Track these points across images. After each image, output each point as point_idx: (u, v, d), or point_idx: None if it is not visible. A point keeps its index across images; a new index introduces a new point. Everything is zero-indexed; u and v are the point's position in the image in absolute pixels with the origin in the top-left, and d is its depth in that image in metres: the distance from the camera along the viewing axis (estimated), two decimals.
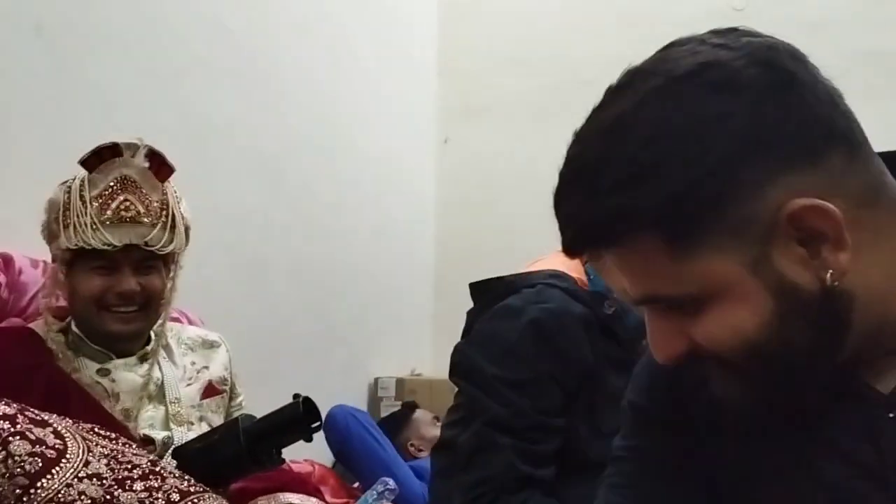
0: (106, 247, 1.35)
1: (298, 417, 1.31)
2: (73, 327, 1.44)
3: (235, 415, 1.58)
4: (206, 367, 1.54)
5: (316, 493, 1.51)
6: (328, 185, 2.97)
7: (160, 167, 1.41)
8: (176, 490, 0.99)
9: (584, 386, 1.35)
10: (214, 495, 1.02)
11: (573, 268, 1.45)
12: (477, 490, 1.28)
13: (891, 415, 0.66)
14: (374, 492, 1.73)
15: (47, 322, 1.42)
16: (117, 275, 1.39)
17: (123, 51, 2.12)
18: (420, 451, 2.65)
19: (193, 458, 1.26)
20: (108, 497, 0.95)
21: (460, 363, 1.40)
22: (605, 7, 3.75)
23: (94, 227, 1.34)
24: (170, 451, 1.34)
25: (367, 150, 3.22)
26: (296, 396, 1.33)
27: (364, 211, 3.18)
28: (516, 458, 1.28)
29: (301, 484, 1.53)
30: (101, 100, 2.04)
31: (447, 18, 3.89)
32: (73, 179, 1.41)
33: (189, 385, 1.50)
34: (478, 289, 1.50)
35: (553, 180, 0.68)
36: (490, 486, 1.28)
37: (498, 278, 1.47)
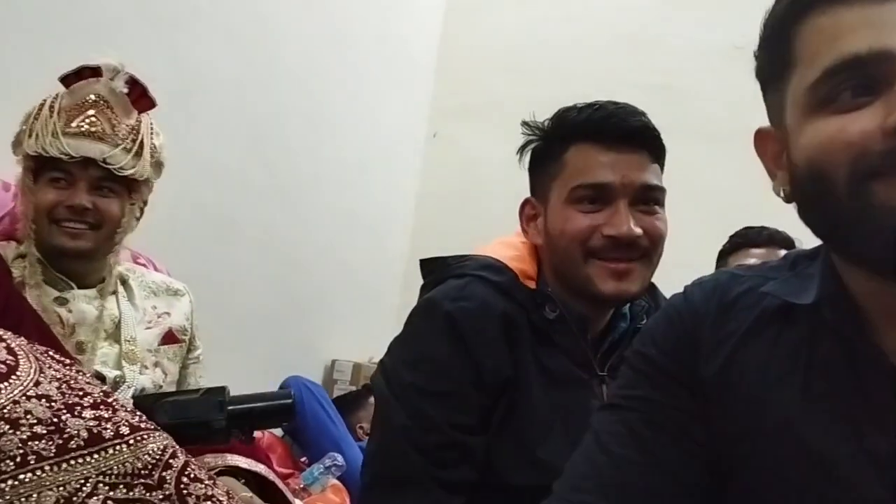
0: (62, 156, 1.32)
1: (290, 411, 1.26)
2: (34, 249, 1.40)
3: (192, 367, 1.55)
4: (168, 314, 1.50)
5: (266, 460, 1.47)
6: (309, 159, 2.94)
7: (140, 97, 1.40)
8: (126, 423, 0.95)
9: (503, 399, 1.18)
10: (165, 434, 0.99)
11: (525, 259, 1.28)
12: None
13: None
14: (322, 465, 1.70)
15: (11, 241, 1.38)
16: (72, 188, 1.36)
17: None
18: (368, 434, 2.62)
19: (163, 407, 1.22)
20: (55, 420, 0.91)
21: (385, 361, 1.25)
22: (605, 28, 3.77)
23: (55, 134, 1.33)
24: (121, 390, 1.30)
25: (354, 132, 3.19)
26: (283, 386, 1.28)
27: (343, 191, 3.15)
28: (429, 484, 1.14)
29: (251, 449, 1.49)
30: (93, 36, 2.00)
31: (452, 18, 3.89)
32: (52, 95, 1.39)
33: (148, 328, 1.46)
34: (425, 267, 1.35)
35: None
36: None
37: (443, 259, 1.32)
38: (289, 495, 1.43)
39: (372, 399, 2.78)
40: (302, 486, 1.71)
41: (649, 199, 1.21)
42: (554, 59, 3.79)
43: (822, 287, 0.73)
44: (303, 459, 2.31)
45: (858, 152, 0.64)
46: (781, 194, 0.75)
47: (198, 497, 0.90)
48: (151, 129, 1.43)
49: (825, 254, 0.76)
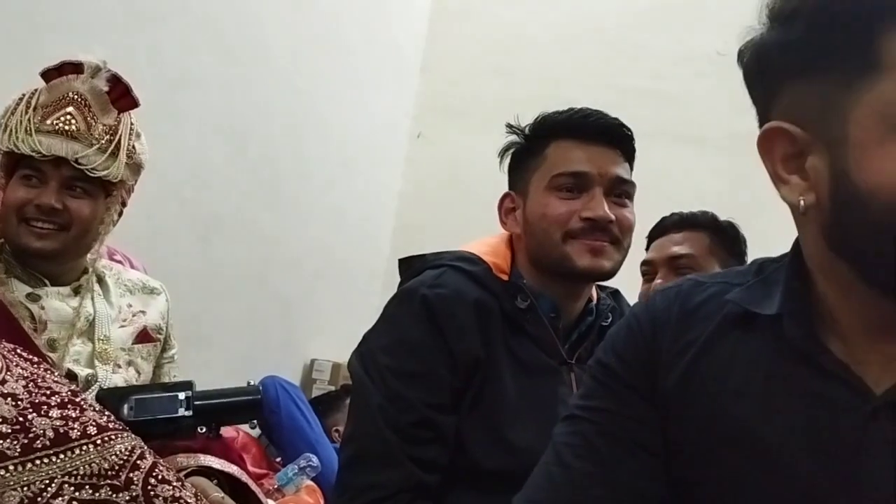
0: (34, 153, 1.30)
1: (257, 407, 1.26)
2: (6, 245, 1.38)
3: (167, 367, 1.53)
4: (143, 312, 1.49)
5: (239, 461, 1.46)
6: (293, 158, 2.93)
7: (121, 96, 1.37)
8: (94, 424, 0.94)
9: (473, 382, 1.26)
10: (132, 435, 0.98)
11: (498, 254, 1.37)
12: (367, 495, 1.21)
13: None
14: (296, 466, 1.70)
15: None
16: (42, 187, 1.34)
17: None
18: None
19: (128, 403, 1.22)
20: (20, 419, 0.90)
21: (360, 347, 1.33)
22: (593, 33, 3.78)
23: (28, 131, 1.30)
24: (93, 389, 1.29)
25: (339, 131, 3.19)
26: (249, 384, 1.28)
27: (326, 191, 3.14)
28: (404, 460, 1.20)
29: (224, 449, 1.48)
30: (78, 32, 1.98)
31: (437, 19, 3.89)
32: (31, 90, 1.37)
33: (122, 327, 1.44)
34: (403, 266, 1.44)
35: None
36: (380, 494, 1.20)
37: (420, 256, 1.41)
38: (261, 496, 1.42)
39: (348, 401, 2.77)
40: (276, 486, 1.70)
41: (621, 191, 1.33)
42: (540, 62, 3.80)
43: (784, 298, 0.72)
44: (278, 460, 2.30)
45: None
46: (801, 203, 0.67)
47: (165, 499, 0.89)
48: (132, 129, 1.40)
49: (791, 260, 0.74)
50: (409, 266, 1.41)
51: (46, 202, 1.33)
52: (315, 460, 1.72)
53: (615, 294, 1.48)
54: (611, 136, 1.34)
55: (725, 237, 1.74)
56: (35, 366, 1.01)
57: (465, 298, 1.27)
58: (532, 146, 1.38)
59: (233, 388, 1.27)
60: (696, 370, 0.75)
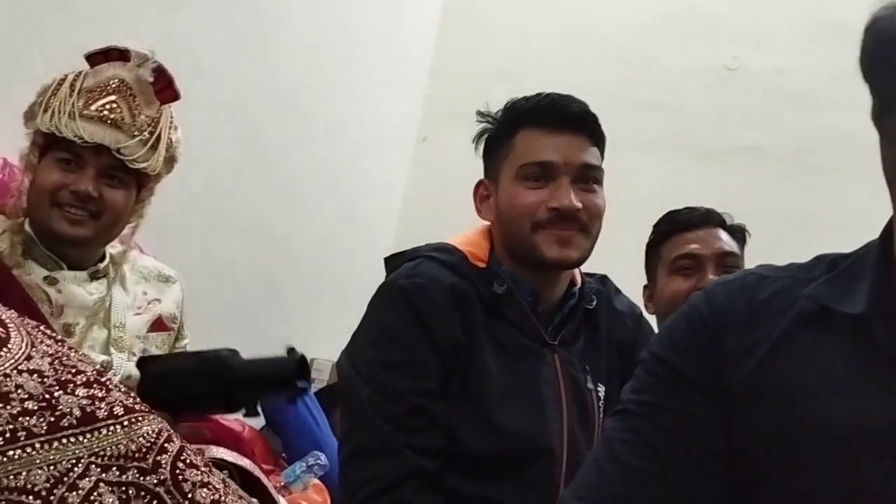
0: (76, 139, 1.28)
1: (289, 378, 1.24)
2: (27, 226, 1.35)
3: None
4: (158, 300, 1.47)
5: (250, 454, 1.44)
6: (300, 155, 2.91)
7: (165, 88, 1.35)
8: (120, 404, 0.92)
9: (458, 365, 1.29)
10: (158, 417, 0.96)
11: (475, 243, 1.39)
12: (370, 487, 1.22)
13: None
14: (304, 464, 1.67)
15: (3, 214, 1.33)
16: (79, 173, 1.32)
17: None
18: None
19: (162, 376, 1.19)
20: (47, 396, 0.88)
21: (349, 345, 1.36)
22: (600, 42, 3.79)
23: (72, 115, 1.28)
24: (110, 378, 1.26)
25: (347, 130, 3.17)
26: (290, 351, 1.25)
27: (332, 189, 3.12)
28: (401, 449, 1.23)
29: (235, 442, 1.46)
30: (91, 18, 1.96)
31: (448, 23, 3.89)
32: (74, 72, 1.34)
33: (137, 314, 1.42)
34: (387, 262, 1.48)
35: None
36: (383, 484, 1.22)
37: (402, 252, 1.45)
38: (273, 492, 1.40)
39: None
40: (283, 483, 1.68)
41: (588, 177, 1.35)
42: (548, 72, 3.79)
43: (872, 298, 0.69)
44: (283, 456, 2.28)
45: None
46: None
47: (194, 483, 0.87)
48: (171, 122, 1.39)
49: (878, 259, 0.71)
50: (393, 262, 1.45)
51: (84, 188, 1.31)
52: (323, 458, 1.70)
53: (603, 279, 1.50)
54: (576, 122, 1.35)
55: (741, 241, 1.71)
56: (59, 343, 0.98)
57: (441, 285, 1.29)
58: (501, 133, 1.40)
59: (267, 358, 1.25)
60: (767, 369, 0.73)
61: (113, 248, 1.45)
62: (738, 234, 1.70)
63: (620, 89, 3.65)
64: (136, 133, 1.32)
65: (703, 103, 3.64)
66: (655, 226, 1.72)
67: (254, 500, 1.29)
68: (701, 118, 3.62)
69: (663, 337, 0.80)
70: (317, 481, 1.75)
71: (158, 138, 1.34)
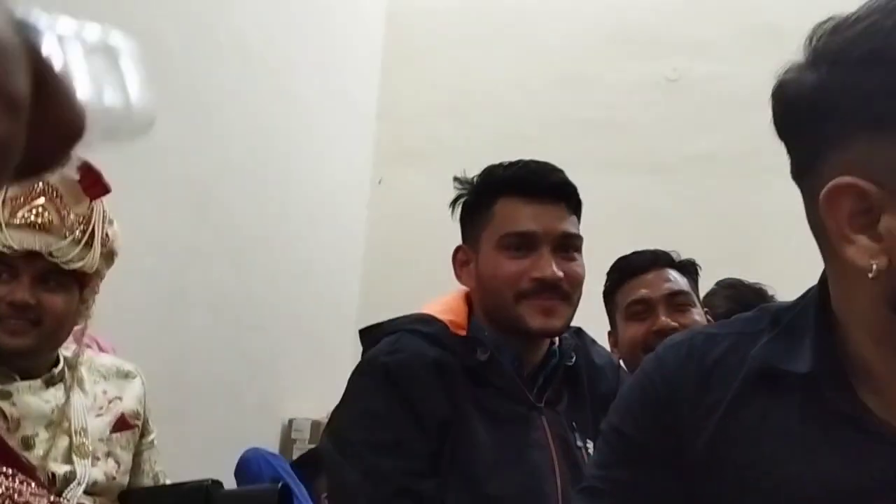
0: (5, 249, 1.25)
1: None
2: None
3: (146, 454, 1.48)
4: (119, 399, 1.44)
5: None
6: (255, 218, 2.89)
7: (94, 184, 1.32)
8: None
9: (446, 441, 1.26)
10: None
11: (454, 311, 1.38)
12: None
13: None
14: None
15: None
16: (14, 283, 1.29)
17: None
18: None
19: None
20: None
21: (329, 425, 1.34)
22: (544, 67, 3.83)
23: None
24: (72, 487, 1.23)
25: (299, 185, 3.16)
26: (273, 481, 1.23)
27: (291, 247, 3.10)
28: None
29: None
30: None
31: (390, 63, 3.91)
32: None
33: (99, 416, 1.39)
34: (363, 335, 1.44)
35: None
36: None
37: (379, 324, 1.41)
38: None
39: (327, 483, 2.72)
40: None
41: (569, 245, 1.35)
42: (495, 100, 3.83)
43: (817, 357, 0.69)
44: None
45: None
46: (873, 266, 0.61)
47: None
48: (104, 216, 1.36)
49: (817, 312, 0.71)
50: (370, 335, 1.41)
51: (20, 298, 1.28)
52: None
53: (578, 332, 1.50)
54: (556, 192, 1.36)
55: (693, 275, 1.75)
56: (10, 479, 0.96)
57: (423, 360, 1.28)
58: (480, 201, 1.39)
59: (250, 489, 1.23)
60: (724, 434, 0.72)
61: (66, 351, 1.42)
62: (690, 268, 1.75)
63: (567, 111, 3.69)
64: (66, 234, 1.29)
65: (649, 116, 3.68)
66: (608, 274, 1.77)
67: None
68: (648, 131, 3.66)
69: (620, 407, 0.80)
70: None
71: (92, 235, 1.32)
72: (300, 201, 3.16)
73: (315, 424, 3.06)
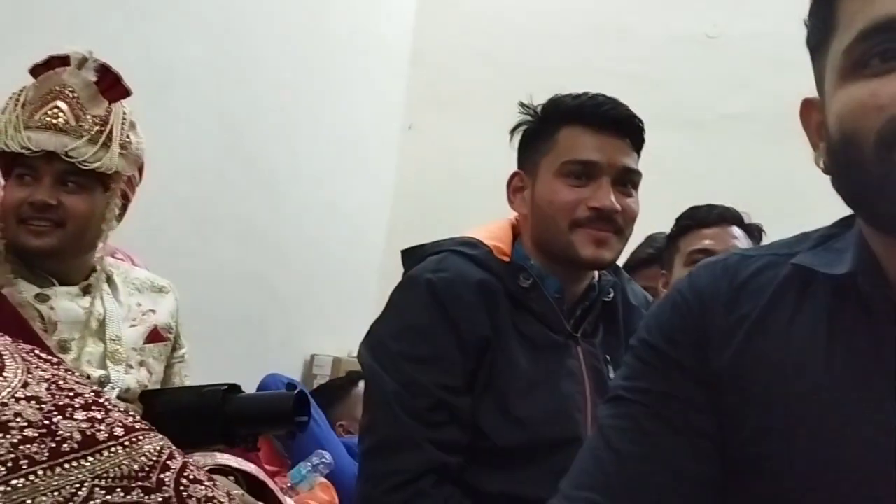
0: (23, 150, 1.27)
1: (287, 414, 1.24)
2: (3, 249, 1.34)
3: (177, 367, 1.51)
4: (153, 311, 1.46)
5: (255, 458, 1.44)
6: (286, 154, 2.90)
7: (112, 86, 1.33)
8: (120, 424, 0.92)
9: (484, 361, 1.29)
10: (160, 435, 0.95)
11: (500, 237, 1.39)
12: (390, 480, 1.23)
13: None
14: (309, 464, 1.68)
15: None
16: (36, 185, 1.30)
17: None
18: (349, 432, 2.59)
19: (162, 414, 1.20)
20: (46, 422, 0.87)
21: (369, 337, 1.35)
22: (581, 19, 3.77)
23: (17, 128, 1.27)
24: (108, 392, 1.26)
25: (330, 125, 3.16)
26: (289, 387, 1.25)
27: (320, 185, 3.11)
28: (423, 443, 1.23)
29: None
30: (66, 29, 1.94)
31: (425, 9, 3.86)
32: (21, 88, 1.34)
33: (133, 326, 1.41)
34: (406, 255, 1.45)
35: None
36: (403, 478, 1.22)
37: (421, 245, 1.43)
38: (279, 494, 1.40)
39: (353, 391, 2.76)
40: (290, 484, 1.68)
41: (627, 181, 1.35)
42: (529, 49, 3.78)
43: (857, 257, 0.70)
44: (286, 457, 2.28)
45: (887, 117, 0.62)
46: (821, 165, 0.71)
47: (198, 499, 0.87)
48: (124, 119, 1.36)
49: (858, 226, 0.73)
50: (412, 256, 1.42)
51: (40, 199, 1.29)
52: (328, 457, 1.70)
53: (616, 270, 1.50)
54: (621, 125, 1.35)
55: (757, 239, 1.79)
56: (55, 367, 0.98)
57: (468, 280, 1.29)
58: (542, 128, 1.39)
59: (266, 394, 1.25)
60: (750, 347, 0.73)
61: (104, 261, 1.44)
62: (755, 232, 1.80)
63: (601, 63, 3.64)
64: (83, 133, 1.29)
65: (685, 72, 3.63)
66: (677, 220, 1.84)
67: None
68: (684, 88, 3.61)
69: (650, 322, 0.80)
70: (323, 479, 1.75)
71: (110, 136, 1.32)
72: (330, 141, 3.16)
73: (336, 361, 3.09)
